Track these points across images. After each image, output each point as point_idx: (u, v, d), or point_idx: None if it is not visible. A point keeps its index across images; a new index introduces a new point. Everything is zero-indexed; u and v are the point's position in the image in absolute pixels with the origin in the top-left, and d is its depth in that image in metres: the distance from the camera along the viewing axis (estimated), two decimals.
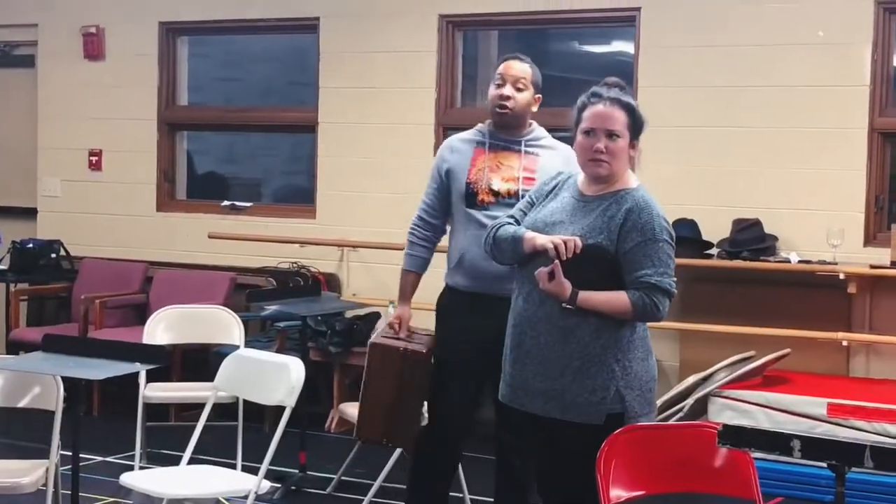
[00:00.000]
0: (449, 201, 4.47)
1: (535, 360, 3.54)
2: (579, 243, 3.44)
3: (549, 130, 4.52)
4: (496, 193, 4.33)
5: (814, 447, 2.99)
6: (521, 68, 4.40)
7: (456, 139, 4.56)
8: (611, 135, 3.53)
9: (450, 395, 4.44)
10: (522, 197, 4.21)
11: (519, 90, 4.36)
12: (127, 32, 8.05)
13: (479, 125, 4.51)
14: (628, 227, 3.47)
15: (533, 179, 4.28)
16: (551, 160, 4.32)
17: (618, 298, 3.46)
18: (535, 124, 4.46)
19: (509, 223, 3.68)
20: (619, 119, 3.54)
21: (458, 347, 4.41)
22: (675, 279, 3.52)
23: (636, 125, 3.57)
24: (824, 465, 2.97)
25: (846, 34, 6.12)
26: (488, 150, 4.41)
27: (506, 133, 4.42)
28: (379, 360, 4.52)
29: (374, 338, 4.74)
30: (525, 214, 3.70)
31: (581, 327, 3.47)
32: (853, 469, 2.92)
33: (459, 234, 4.42)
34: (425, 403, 4.59)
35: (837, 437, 3.38)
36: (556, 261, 3.42)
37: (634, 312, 3.46)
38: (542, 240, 3.49)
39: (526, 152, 4.38)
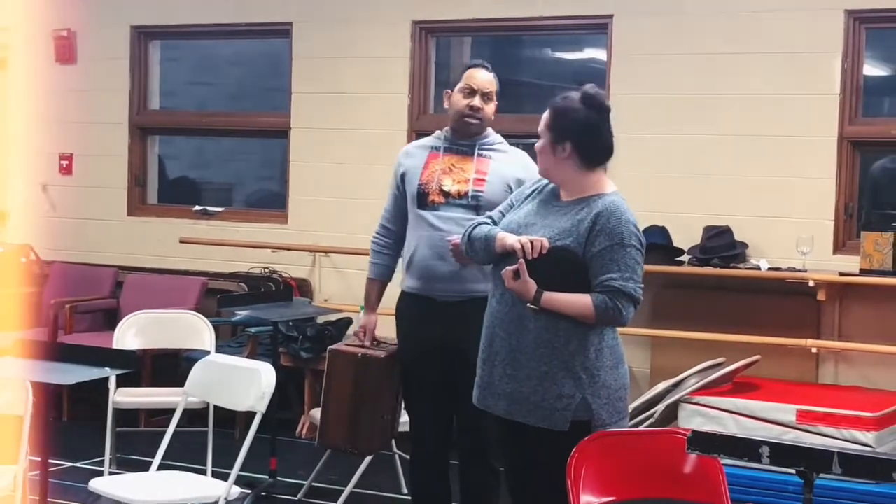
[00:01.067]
0: (406, 206, 4.49)
1: (504, 361, 3.55)
2: (546, 243, 3.47)
3: (522, 137, 4.55)
4: (446, 194, 4.36)
5: (782, 453, 3.01)
6: (487, 79, 4.44)
7: (412, 145, 4.65)
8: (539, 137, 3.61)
9: (412, 403, 4.50)
10: (473, 197, 4.26)
11: (487, 101, 4.41)
12: (99, 36, 8.01)
13: (437, 132, 4.56)
14: (596, 230, 3.49)
15: (483, 181, 4.34)
16: (504, 163, 4.39)
17: (581, 300, 3.47)
18: (490, 130, 4.50)
19: (485, 223, 3.72)
20: (543, 120, 3.62)
21: (408, 355, 4.45)
22: (641, 285, 3.52)
23: (556, 125, 3.57)
24: (793, 471, 2.99)
25: (816, 43, 6.16)
26: (443, 153, 4.44)
27: (462, 138, 4.45)
28: (336, 367, 4.58)
29: (335, 345, 4.79)
30: (503, 216, 3.73)
31: (550, 331, 3.48)
32: (821, 475, 2.94)
33: (411, 236, 4.45)
34: (395, 410, 4.61)
35: (806, 443, 3.39)
36: (521, 259, 3.45)
37: (596, 315, 3.47)
38: (511, 239, 3.53)
39: (479, 155, 4.41)
